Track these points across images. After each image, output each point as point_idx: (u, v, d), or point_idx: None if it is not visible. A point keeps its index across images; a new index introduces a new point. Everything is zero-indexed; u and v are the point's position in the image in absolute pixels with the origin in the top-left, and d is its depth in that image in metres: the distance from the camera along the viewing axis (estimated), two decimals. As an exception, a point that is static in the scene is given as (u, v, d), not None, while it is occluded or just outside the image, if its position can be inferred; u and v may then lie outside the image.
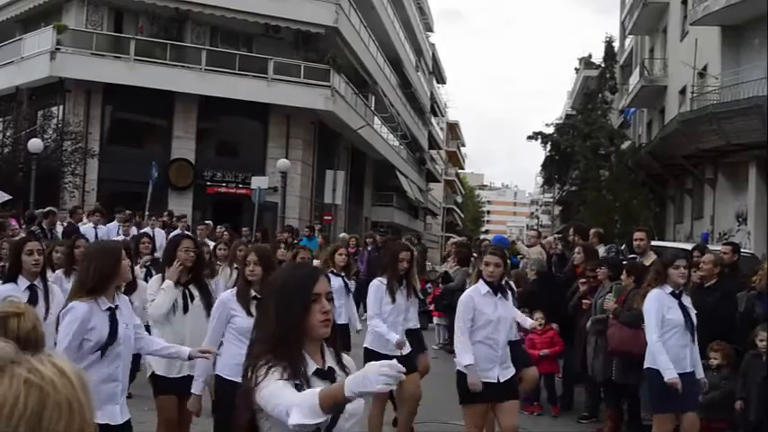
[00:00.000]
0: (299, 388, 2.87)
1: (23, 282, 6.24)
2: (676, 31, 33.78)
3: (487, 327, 6.86)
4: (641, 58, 40.43)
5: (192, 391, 6.27)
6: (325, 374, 3.05)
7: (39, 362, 1.67)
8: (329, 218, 32.31)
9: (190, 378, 6.49)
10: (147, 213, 21.51)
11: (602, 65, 44.75)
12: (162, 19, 32.83)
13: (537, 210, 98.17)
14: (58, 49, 30.09)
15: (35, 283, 6.27)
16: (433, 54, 70.73)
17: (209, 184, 32.74)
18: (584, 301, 10.22)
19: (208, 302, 6.71)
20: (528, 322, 8.49)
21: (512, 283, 8.10)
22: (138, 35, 32.21)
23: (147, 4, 31.27)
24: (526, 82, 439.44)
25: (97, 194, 29.47)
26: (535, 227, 70.81)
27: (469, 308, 6.88)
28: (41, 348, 2.83)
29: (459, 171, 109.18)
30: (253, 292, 6.14)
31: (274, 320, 3.05)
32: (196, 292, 6.78)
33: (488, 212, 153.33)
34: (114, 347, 5.11)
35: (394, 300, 7.91)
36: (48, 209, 17.45)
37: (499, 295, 6.96)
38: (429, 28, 67.90)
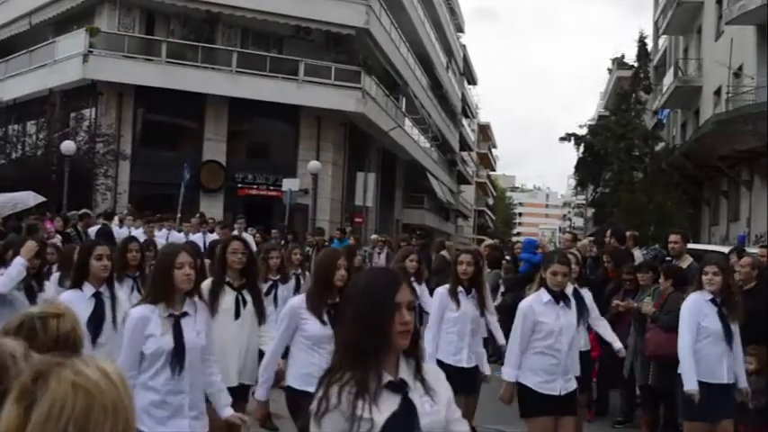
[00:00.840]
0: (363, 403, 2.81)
1: (89, 288, 5.98)
2: (711, 30, 33.45)
3: (549, 337, 6.57)
4: (675, 58, 40.08)
5: (257, 397, 5.96)
6: (397, 387, 2.90)
7: (84, 364, 1.73)
8: (360, 220, 32.33)
9: (240, 387, 6.35)
10: (179, 216, 21.61)
11: (636, 65, 44.36)
12: (193, 21, 33.02)
13: (569, 212, 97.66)
14: (91, 51, 30.41)
15: (101, 290, 6.01)
16: (464, 55, 70.70)
17: (239, 186, 32.91)
18: (619, 303, 10.06)
19: (260, 309, 6.52)
20: (617, 345, 8.33)
21: (584, 292, 7.69)
22: (170, 37, 32.43)
23: (179, 6, 31.50)
24: (558, 82, 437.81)
25: (129, 196, 29.68)
26: (569, 229, 70.42)
27: (529, 318, 6.61)
28: (80, 350, 2.95)
29: (491, 173, 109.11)
30: (328, 299, 5.82)
31: (352, 328, 2.92)
32: (249, 297, 6.51)
33: (520, 215, 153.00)
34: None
35: (459, 306, 7.55)
36: (82, 211, 17.58)
37: (561, 304, 6.66)
38: (460, 29, 67.88)
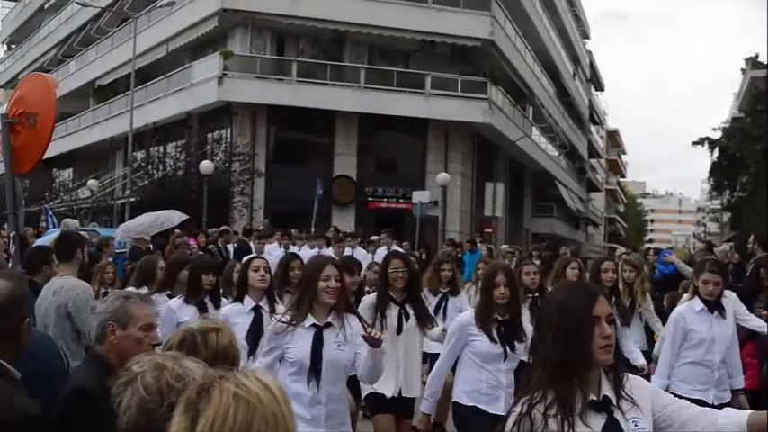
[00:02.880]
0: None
1: (249, 302, 6.11)
2: None
3: (701, 346, 6.37)
4: (814, 55, 38.45)
5: (422, 410, 5.91)
6: (601, 406, 2.78)
7: (244, 376, 1.78)
8: (489, 230, 32.26)
9: (403, 399, 6.31)
10: (312, 230, 22.04)
11: (771, 64, 42.73)
12: (321, 40, 33.75)
13: (704, 217, 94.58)
14: (225, 74, 31.43)
15: (260, 304, 6.13)
16: (590, 61, 69.59)
17: (370, 199, 33.30)
18: (763, 312, 9.79)
19: (425, 316, 6.44)
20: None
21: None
22: (299, 57, 33.20)
23: (308, 27, 32.17)
24: (689, 84, 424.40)
25: (264, 213, 30.44)
26: (703, 236, 68.23)
27: (679, 326, 6.41)
28: (237, 363, 3.06)
29: (621, 179, 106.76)
30: (495, 315, 5.72)
31: (551, 347, 2.78)
32: (411, 311, 6.40)
33: (652, 221, 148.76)
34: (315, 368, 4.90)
35: None
36: (222, 228, 18.17)
37: (715, 313, 6.39)
38: (585, 35, 66.89)
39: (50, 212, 20.60)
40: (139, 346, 3.33)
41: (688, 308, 6.50)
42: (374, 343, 4.68)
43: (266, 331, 5.07)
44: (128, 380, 2.31)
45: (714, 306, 6.42)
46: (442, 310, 8.46)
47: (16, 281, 3.26)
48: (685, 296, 6.96)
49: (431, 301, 8.44)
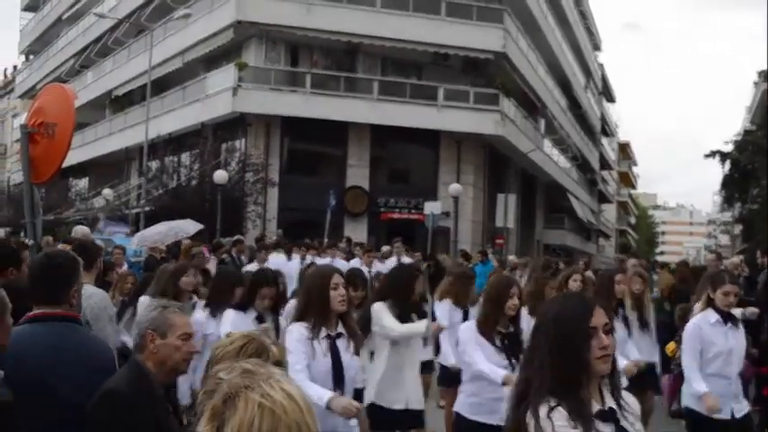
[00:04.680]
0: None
1: (252, 311, 6.24)
2: None
3: (718, 359, 6.26)
4: (826, 68, 38.44)
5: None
6: (608, 416, 2.80)
7: (269, 386, 1.82)
8: (501, 241, 32.33)
9: (414, 412, 6.27)
10: (326, 240, 22.12)
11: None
12: (335, 52, 33.94)
13: (715, 230, 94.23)
14: (240, 85, 31.64)
15: (264, 314, 6.25)
16: (602, 74, 69.66)
17: (382, 210, 33.40)
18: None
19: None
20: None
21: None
22: (313, 69, 33.40)
23: (321, 39, 32.41)
24: (701, 96, 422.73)
25: (277, 223, 30.59)
26: (715, 247, 67.93)
27: (697, 339, 6.33)
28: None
29: (632, 191, 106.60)
30: (500, 327, 5.74)
31: (547, 358, 2.76)
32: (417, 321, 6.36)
33: (663, 233, 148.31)
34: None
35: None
36: (236, 237, 18.25)
37: (729, 324, 6.34)
38: (597, 47, 66.98)
39: None
40: (177, 354, 3.49)
41: (703, 320, 6.41)
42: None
43: (288, 346, 4.92)
44: (216, 388, 2.32)
45: (728, 317, 6.37)
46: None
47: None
48: (697, 307, 6.84)
49: (455, 314, 8.47)
